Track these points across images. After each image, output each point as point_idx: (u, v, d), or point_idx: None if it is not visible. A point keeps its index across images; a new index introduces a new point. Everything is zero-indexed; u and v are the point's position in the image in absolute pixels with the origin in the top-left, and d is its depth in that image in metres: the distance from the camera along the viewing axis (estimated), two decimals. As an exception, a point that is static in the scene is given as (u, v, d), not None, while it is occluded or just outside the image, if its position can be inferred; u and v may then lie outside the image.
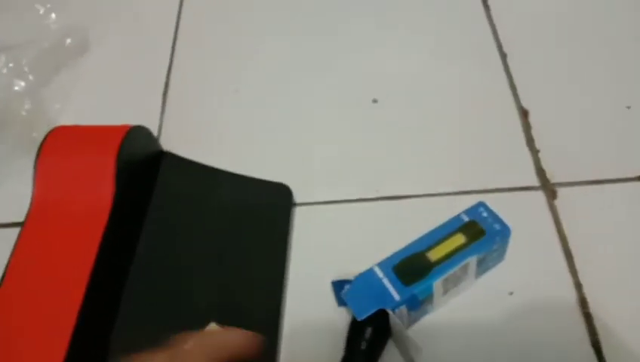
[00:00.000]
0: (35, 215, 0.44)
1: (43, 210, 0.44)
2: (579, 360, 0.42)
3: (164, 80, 0.61)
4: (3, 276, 0.42)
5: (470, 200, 0.45)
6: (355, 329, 0.41)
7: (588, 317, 0.43)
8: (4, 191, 0.54)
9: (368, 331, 0.40)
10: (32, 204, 0.45)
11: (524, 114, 0.55)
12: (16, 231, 0.45)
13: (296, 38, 0.64)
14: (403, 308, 0.40)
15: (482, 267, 0.44)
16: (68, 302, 0.40)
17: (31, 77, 0.59)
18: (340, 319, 0.44)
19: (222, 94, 0.60)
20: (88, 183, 0.45)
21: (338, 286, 0.43)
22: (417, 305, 0.41)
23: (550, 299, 0.45)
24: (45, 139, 0.47)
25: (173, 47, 0.64)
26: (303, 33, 0.64)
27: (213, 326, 0.42)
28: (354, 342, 0.41)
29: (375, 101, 0.57)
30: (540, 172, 0.51)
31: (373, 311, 0.40)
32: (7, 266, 0.42)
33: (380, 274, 0.41)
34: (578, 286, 0.45)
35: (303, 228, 0.50)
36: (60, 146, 0.46)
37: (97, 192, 0.44)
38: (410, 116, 0.56)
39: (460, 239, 0.42)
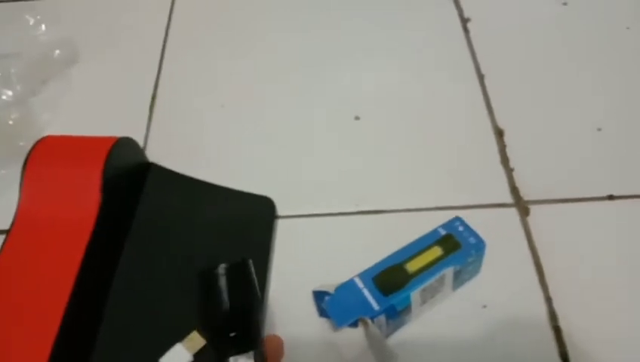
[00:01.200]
0: (21, 223, 0.45)
1: (28, 218, 0.45)
2: (548, 370, 0.44)
3: (150, 93, 0.63)
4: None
5: (447, 216, 0.47)
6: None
7: (557, 330, 0.45)
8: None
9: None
10: (17, 212, 0.46)
11: (499, 133, 0.57)
12: (0, 238, 0.46)
13: (281, 56, 0.66)
14: (382, 318, 0.42)
15: (459, 279, 0.45)
16: (51, 309, 0.41)
17: (19, 87, 0.60)
18: (321, 329, 0.46)
19: (208, 109, 0.61)
20: (74, 193, 0.46)
21: (319, 296, 0.44)
22: (396, 315, 0.43)
23: (522, 312, 0.46)
24: (33, 148, 0.48)
25: (160, 61, 0.66)
26: (287, 51, 0.66)
27: (194, 334, 0.43)
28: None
29: (357, 118, 0.59)
30: (514, 190, 0.53)
31: (353, 319, 0.42)
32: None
33: (360, 284, 0.43)
34: (548, 299, 0.47)
35: (285, 240, 0.51)
36: (47, 156, 0.47)
37: (83, 203, 0.45)
38: (390, 133, 0.58)
39: (437, 251, 0.44)
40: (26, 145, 0.56)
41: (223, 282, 0.30)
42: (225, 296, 0.30)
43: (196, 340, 0.43)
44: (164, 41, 0.68)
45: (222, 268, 0.30)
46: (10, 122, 0.57)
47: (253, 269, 0.31)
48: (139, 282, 0.46)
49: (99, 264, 0.45)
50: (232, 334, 0.29)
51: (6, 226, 0.46)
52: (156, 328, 0.44)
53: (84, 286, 0.43)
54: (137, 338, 0.43)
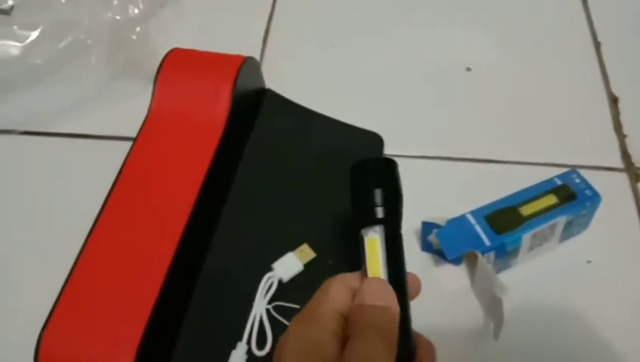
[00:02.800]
0: (152, 124, 0.47)
1: (159, 119, 0.47)
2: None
3: (264, 26, 0.64)
4: (115, 182, 0.45)
5: (555, 172, 0.47)
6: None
7: (663, 293, 0.45)
8: (114, 107, 0.57)
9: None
10: (149, 113, 0.48)
11: (613, 100, 0.56)
12: (124, 143, 0.48)
13: (397, 3, 0.66)
14: (491, 254, 0.42)
15: (567, 231, 0.45)
16: (178, 209, 0.43)
17: (142, 5, 0.62)
18: (422, 264, 0.46)
19: (320, 45, 0.62)
20: (205, 103, 0.47)
21: (427, 228, 0.45)
22: (504, 254, 0.43)
23: (625, 271, 0.46)
24: (166, 57, 0.49)
25: (275, -2, 0.67)
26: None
27: (305, 246, 0.45)
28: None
29: (469, 69, 0.59)
30: (626, 155, 0.53)
31: (463, 251, 0.42)
32: (120, 171, 0.45)
33: (472, 220, 0.43)
34: (655, 265, 0.46)
35: (390, 177, 0.52)
36: (179, 65, 0.49)
37: (213, 112, 0.47)
38: (503, 90, 0.58)
39: (551, 199, 0.44)
40: (145, 60, 0.59)
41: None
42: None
43: (306, 252, 0.44)
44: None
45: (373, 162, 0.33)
46: (134, 37, 0.59)
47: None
48: (253, 196, 0.48)
49: (221, 175, 0.47)
50: (380, 216, 0.31)
51: (129, 133, 0.48)
52: (269, 237, 0.46)
53: (207, 192, 0.44)
54: (251, 243, 0.45)
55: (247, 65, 0.50)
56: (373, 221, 0.31)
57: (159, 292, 0.39)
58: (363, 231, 0.31)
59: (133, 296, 0.39)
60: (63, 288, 0.40)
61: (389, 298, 0.28)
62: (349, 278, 0.30)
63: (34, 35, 0.57)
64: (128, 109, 0.51)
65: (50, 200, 0.51)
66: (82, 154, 0.54)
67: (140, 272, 0.40)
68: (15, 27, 0.57)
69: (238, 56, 0.50)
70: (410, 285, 0.30)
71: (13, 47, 0.57)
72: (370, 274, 0.29)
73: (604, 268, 0.46)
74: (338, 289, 0.28)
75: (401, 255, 0.30)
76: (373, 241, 0.30)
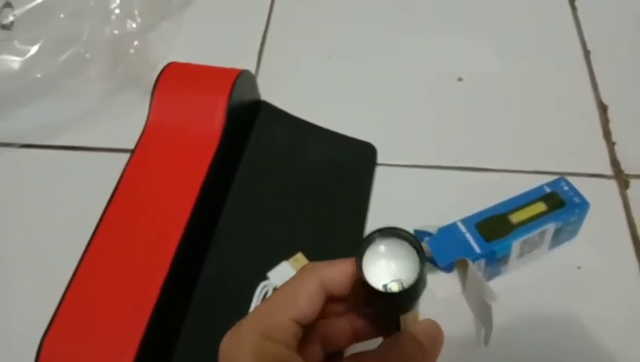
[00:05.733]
0: (149, 136, 0.48)
1: (157, 132, 0.48)
2: (638, 334, 0.44)
3: (260, 39, 0.65)
4: (114, 193, 0.46)
5: (544, 180, 0.47)
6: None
7: (652, 299, 0.46)
8: (113, 120, 0.58)
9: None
10: (146, 126, 0.49)
11: (603, 108, 0.57)
12: (122, 156, 0.49)
13: (391, 14, 0.67)
14: (481, 261, 0.43)
15: (557, 239, 0.46)
16: (175, 222, 0.44)
17: (139, 19, 0.63)
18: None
19: (315, 58, 0.63)
20: (200, 116, 0.48)
21: (420, 235, 0.46)
22: (495, 261, 0.44)
23: (616, 278, 0.47)
24: (163, 71, 0.51)
25: (271, 6, 0.68)
26: (397, 9, 0.67)
27: (299, 255, 0.46)
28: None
29: (460, 80, 0.60)
30: (615, 163, 0.53)
31: (454, 259, 0.43)
32: (117, 183, 0.46)
33: (462, 228, 0.44)
34: (644, 270, 0.47)
35: (384, 187, 0.53)
36: (176, 79, 0.50)
37: (209, 125, 0.48)
38: (494, 99, 0.59)
39: (540, 207, 0.45)
40: (144, 73, 0.60)
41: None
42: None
43: (301, 260, 0.45)
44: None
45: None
46: (132, 51, 0.61)
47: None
48: (248, 206, 0.49)
49: (216, 186, 0.48)
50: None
51: (128, 145, 0.49)
52: (264, 246, 0.47)
53: (204, 203, 0.45)
54: (247, 252, 0.46)
55: (243, 78, 0.51)
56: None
57: (157, 301, 0.40)
58: None
59: (131, 305, 0.40)
60: (63, 297, 0.41)
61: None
62: (325, 270, 0.28)
63: (34, 49, 0.59)
64: (127, 122, 0.52)
65: (49, 212, 0.53)
66: (82, 166, 0.55)
67: (138, 281, 0.41)
68: (16, 42, 0.58)
69: (233, 70, 0.51)
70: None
71: (14, 62, 0.58)
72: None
73: (594, 274, 0.47)
74: (310, 291, 0.27)
75: None
76: None
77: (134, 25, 0.62)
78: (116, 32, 0.60)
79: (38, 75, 0.58)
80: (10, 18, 0.60)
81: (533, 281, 0.47)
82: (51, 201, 0.53)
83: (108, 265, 0.42)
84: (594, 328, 0.45)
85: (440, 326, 0.28)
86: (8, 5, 0.60)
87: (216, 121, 0.48)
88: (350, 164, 0.53)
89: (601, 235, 0.49)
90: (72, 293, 0.41)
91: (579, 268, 0.47)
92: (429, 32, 0.65)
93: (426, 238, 0.45)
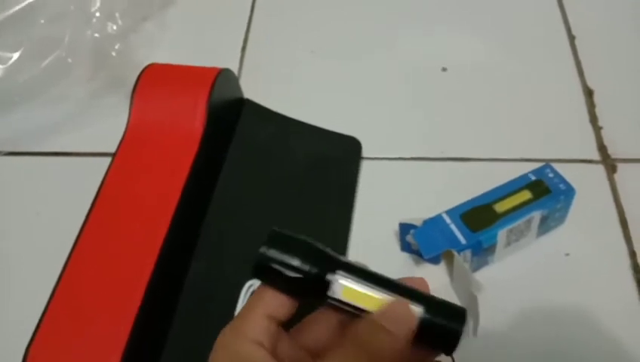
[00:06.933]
0: (130, 139, 0.48)
1: (137, 135, 0.48)
2: (628, 320, 0.44)
3: (242, 36, 0.65)
4: (96, 196, 0.45)
5: (532, 167, 0.47)
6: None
7: (640, 282, 0.45)
8: (96, 124, 0.58)
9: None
10: (127, 129, 0.49)
11: (589, 93, 0.57)
12: (104, 160, 0.49)
13: (372, 7, 0.67)
14: (467, 252, 0.43)
15: (544, 226, 0.46)
16: (158, 220, 0.44)
17: (121, 22, 0.63)
18: (402, 264, 0.47)
19: (299, 53, 0.63)
20: (180, 117, 0.48)
21: (405, 229, 0.46)
22: (481, 251, 0.44)
23: (605, 263, 0.47)
24: (142, 73, 0.50)
25: (253, 4, 0.68)
26: (378, 2, 0.67)
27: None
28: None
29: (444, 70, 0.60)
30: (602, 148, 0.53)
31: (440, 251, 0.43)
32: (100, 187, 0.46)
33: (447, 220, 0.44)
34: (632, 254, 0.47)
35: (369, 180, 0.53)
36: (155, 80, 0.50)
37: (189, 125, 0.48)
38: (478, 88, 0.58)
39: (526, 195, 0.45)
40: (127, 75, 0.59)
41: None
42: None
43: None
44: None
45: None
46: (114, 53, 0.60)
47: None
48: (234, 205, 0.49)
49: (200, 186, 0.48)
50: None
51: (112, 149, 0.49)
52: (251, 245, 0.46)
53: (187, 203, 0.45)
54: (234, 251, 0.46)
55: (223, 77, 0.51)
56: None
57: (142, 302, 0.40)
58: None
59: (116, 309, 0.40)
60: (48, 303, 0.41)
61: (403, 327, 0.26)
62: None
63: (15, 55, 0.58)
64: (111, 125, 0.52)
65: (34, 218, 0.52)
66: (66, 172, 0.55)
67: (123, 285, 0.41)
68: (-3, 49, 0.58)
69: (213, 69, 0.50)
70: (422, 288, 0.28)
71: (-4, 70, 0.58)
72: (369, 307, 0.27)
73: (583, 260, 0.47)
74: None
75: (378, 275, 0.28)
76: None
77: (115, 27, 0.62)
78: (97, 35, 0.60)
79: (21, 81, 0.58)
80: (-9, 26, 0.60)
81: (521, 269, 0.46)
82: (36, 209, 0.53)
83: (93, 268, 0.42)
84: (583, 315, 0.44)
85: (408, 306, 0.26)
86: (-13, 12, 0.59)
87: (196, 121, 0.48)
88: (335, 159, 0.53)
89: (590, 221, 0.49)
90: (56, 299, 0.41)
91: (567, 254, 0.47)
92: (411, 22, 0.65)
93: (412, 230, 0.45)
